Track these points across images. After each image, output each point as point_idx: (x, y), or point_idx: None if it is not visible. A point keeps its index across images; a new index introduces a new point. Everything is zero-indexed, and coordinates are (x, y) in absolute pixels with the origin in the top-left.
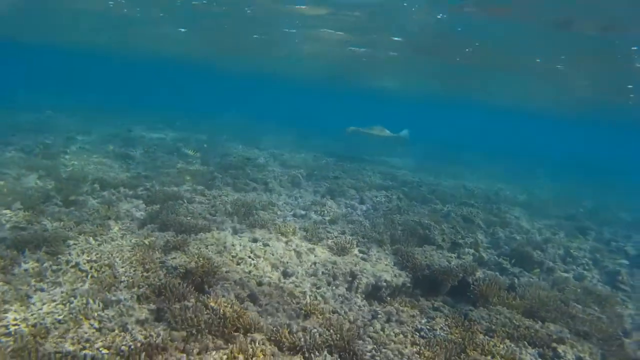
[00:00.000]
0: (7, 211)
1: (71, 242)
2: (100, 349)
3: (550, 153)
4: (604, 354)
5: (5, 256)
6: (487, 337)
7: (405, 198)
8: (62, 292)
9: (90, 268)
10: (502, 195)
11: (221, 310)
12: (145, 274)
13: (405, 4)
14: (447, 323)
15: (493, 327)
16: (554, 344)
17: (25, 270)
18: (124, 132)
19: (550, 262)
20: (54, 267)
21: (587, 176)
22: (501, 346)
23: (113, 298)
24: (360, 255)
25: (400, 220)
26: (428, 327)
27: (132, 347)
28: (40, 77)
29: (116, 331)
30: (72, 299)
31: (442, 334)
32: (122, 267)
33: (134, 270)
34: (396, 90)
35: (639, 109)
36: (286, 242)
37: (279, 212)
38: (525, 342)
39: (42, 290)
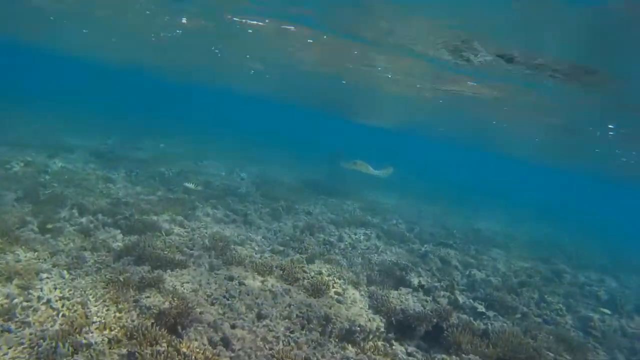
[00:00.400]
0: None
1: (44, 275)
2: None
3: (541, 200)
4: None
5: None
6: None
7: (384, 236)
8: (30, 334)
9: (62, 306)
10: (482, 236)
11: (193, 357)
12: (118, 314)
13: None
14: None
15: None
16: None
17: None
18: (107, 152)
19: (524, 307)
20: (24, 304)
21: (572, 223)
22: None
23: (84, 341)
24: (336, 297)
25: (377, 260)
26: None
27: None
28: (43, 84)
29: None
30: (41, 341)
31: None
32: (95, 306)
33: (106, 310)
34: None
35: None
36: (262, 282)
37: (256, 248)
38: None
39: (9, 330)
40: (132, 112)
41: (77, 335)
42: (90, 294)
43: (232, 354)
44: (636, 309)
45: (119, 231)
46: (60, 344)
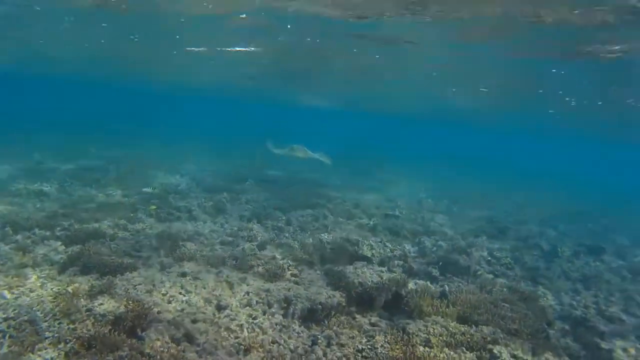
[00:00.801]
0: None
1: None
2: None
3: (470, 160)
4: (533, 347)
5: None
6: (427, 348)
7: (331, 215)
8: None
9: (8, 327)
10: (425, 204)
11: (158, 357)
12: (71, 325)
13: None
14: (387, 340)
15: (431, 337)
16: (490, 346)
17: None
18: (34, 165)
19: (476, 266)
20: None
21: (503, 180)
22: (441, 355)
23: (37, 359)
24: (293, 279)
25: (328, 239)
26: (369, 346)
27: None
28: None
29: None
30: None
31: (383, 351)
32: (45, 322)
33: (58, 324)
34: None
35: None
36: (216, 274)
37: (205, 242)
38: (463, 348)
39: None
40: (59, 123)
41: (30, 355)
42: (38, 310)
43: (198, 348)
44: (574, 254)
45: (59, 243)
46: None
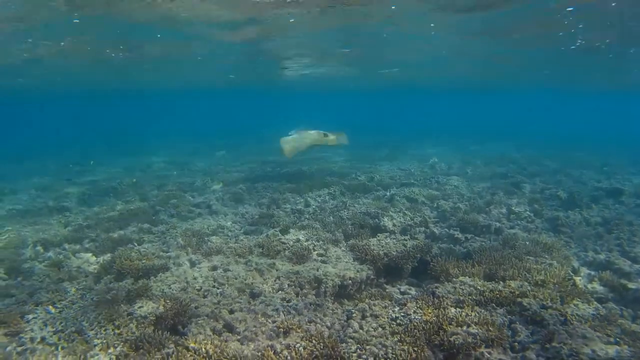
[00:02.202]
0: None
1: (30, 316)
2: None
3: (470, 124)
4: (561, 296)
5: None
6: (458, 309)
7: (347, 191)
8: None
9: (59, 339)
10: (438, 168)
11: (203, 349)
12: (117, 330)
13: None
14: (418, 305)
15: (461, 298)
16: (519, 299)
17: None
18: (52, 183)
19: (496, 223)
20: (19, 349)
21: (516, 137)
22: (473, 314)
23: None
24: (320, 259)
25: (348, 215)
26: (402, 314)
27: None
28: None
29: None
30: None
31: (416, 317)
32: (92, 330)
33: (104, 330)
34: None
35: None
36: (245, 263)
37: (230, 233)
38: (493, 304)
39: None
40: (55, 139)
41: None
42: (83, 320)
43: (239, 337)
44: (592, 199)
45: (90, 254)
46: None
